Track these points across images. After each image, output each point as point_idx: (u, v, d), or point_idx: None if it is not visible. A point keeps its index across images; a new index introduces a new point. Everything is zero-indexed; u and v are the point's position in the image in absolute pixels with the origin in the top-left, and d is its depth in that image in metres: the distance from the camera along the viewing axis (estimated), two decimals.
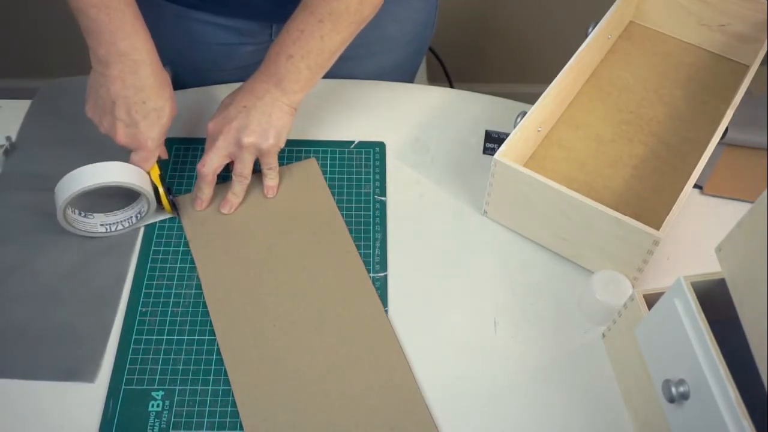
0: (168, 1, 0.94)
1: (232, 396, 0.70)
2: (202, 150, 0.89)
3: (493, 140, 0.89)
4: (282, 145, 0.82)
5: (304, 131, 0.92)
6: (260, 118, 0.79)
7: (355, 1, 0.76)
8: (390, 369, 0.72)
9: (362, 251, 0.81)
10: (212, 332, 0.74)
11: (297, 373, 0.71)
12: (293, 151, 0.90)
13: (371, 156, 0.90)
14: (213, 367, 0.72)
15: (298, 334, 0.74)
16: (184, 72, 0.99)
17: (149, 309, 0.76)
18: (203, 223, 0.82)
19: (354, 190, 0.86)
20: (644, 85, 0.95)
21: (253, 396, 0.70)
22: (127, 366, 0.72)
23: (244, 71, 1.03)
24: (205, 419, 0.69)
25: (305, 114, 0.93)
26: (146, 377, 0.71)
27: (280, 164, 0.86)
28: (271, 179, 0.84)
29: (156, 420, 0.69)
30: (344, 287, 0.78)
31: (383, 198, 0.86)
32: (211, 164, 0.80)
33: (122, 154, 0.79)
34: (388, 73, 1.03)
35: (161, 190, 0.80)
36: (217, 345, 0.73)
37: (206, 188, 0.82)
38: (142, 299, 0.76)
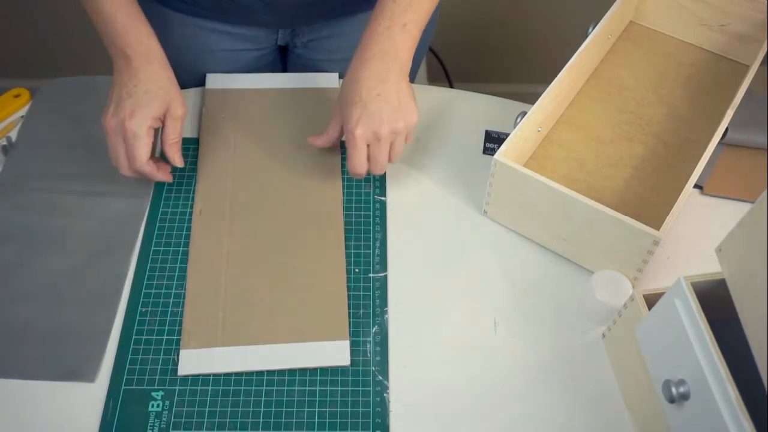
0: (172, 10, 0.94)
1: (232, 396, 0.70)
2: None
3: (493, 140, 0.89)
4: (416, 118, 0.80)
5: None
6: (394, 103, 0.78)
7: None
8: (328, 285, 0.77)
9: (362, 251, 0.81)
10: None
11: (242, 289, 0.77)
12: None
13: None
14: None
15: (254, 259, 0.79)
16: (190, 77, 0.99)
17: (149, 309, 0.76)
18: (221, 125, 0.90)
19: (354, 190, 0.86)
20: (644, 85, 0.95)
21: (200, 306, 0.76)
22: (127, 366, 0.72)
23: None
24: (205, 419, 0.69)
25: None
26: (146, 377, 0.71)
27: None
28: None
29: (156, 420, 0.69)
30: (315, 226, 0.82)
31: (383, 198, 0.86)
32: (361, 167, 0.79)
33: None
34: None
35: None
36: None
37: None
38: (142, 299, 0.76)
